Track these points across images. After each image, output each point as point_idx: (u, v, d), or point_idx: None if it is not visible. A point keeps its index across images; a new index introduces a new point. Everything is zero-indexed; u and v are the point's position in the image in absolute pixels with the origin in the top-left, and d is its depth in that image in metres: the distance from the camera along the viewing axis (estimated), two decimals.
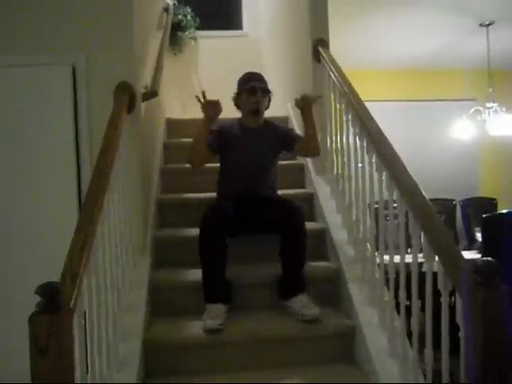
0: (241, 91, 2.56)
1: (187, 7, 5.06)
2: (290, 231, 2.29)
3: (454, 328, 1.48)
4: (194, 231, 2.66)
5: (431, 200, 1.66)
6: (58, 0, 2.45)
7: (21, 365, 1.34)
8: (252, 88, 2.51)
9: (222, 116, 2.49)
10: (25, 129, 2.46)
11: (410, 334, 1.79)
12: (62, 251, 1.40)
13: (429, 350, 1.63)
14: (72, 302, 1.23)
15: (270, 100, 2.60)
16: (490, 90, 5.08)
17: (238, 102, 2.61)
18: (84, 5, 2.45)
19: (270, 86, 2.60)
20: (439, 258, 1.51)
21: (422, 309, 1.69)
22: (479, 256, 3.15)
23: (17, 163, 2.47)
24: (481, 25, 4.78)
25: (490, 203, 5.20)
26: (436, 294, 1.57)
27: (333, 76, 2.65)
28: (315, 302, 2.21)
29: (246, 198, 2.48)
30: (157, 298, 2.32)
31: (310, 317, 2.13)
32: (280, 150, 2.64)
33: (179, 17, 4.89)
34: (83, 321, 1.42)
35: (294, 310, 2.19)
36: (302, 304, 2.18)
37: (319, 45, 2.90)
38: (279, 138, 2.61)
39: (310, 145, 2.57)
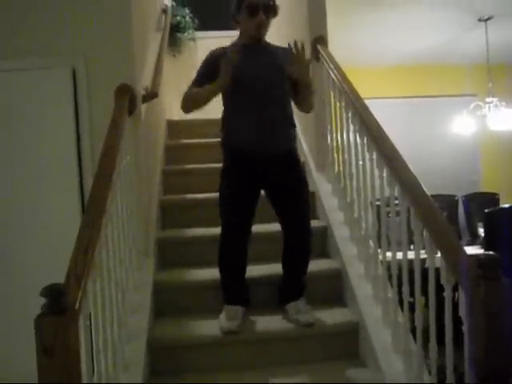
0: (240, 6, 2.08)
1: (186, 8, 5.07)
2: (295, 235, 2.23)
3: (457, 322, 1.48)
4: (197, 231, 2.67)
5: (433, 196, 1.67)
6: (57, 3, 2.46)
7: (24, 365, 1.35)
8: (252, 7, 2.04)
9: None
10: (26, 132, 2.48)
11: (413, 330, 1.80)
12: (65, 254, 1.41)
13: (433, 345, 1.64)
14: (77, 303, 1.24)
15: (276, 15, 2.15)
16: (490, 84, 5.07)
17: (236, 17, 2.14)
18: (83, 7, 2.46)
19: None
20: (441, 253, 1.51)
21: (426, 305, 1.69)
22: (482, 251, 3.16)
23: (19, 167, 2.48)
24: (479, 20, 4.78)
25: (492, 198, 5.19)
26: (439, 289, 1.58)
27: (332, 74, 2.65)
28: (317, 301, 2.23)
29: (260, 153, 2.11)
30: (161, 299, 2.33)
31: (304, 323, 2.13)
32: (286, 73, 2.14)
33: (178, 18, 4.90)
34: (88, 322, 1.43)
35: (289, 315, 2.19)
36: (298, 310, 2.18)
37: (318, 43, 2.90)
38: (282, 61, 2.15)
39: (301, 104, 2.25)
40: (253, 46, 2.17)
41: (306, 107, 2.29)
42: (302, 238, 2.23)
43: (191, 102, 2.18)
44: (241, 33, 2.20)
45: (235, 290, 2.24)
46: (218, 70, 2.05)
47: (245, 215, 2.17)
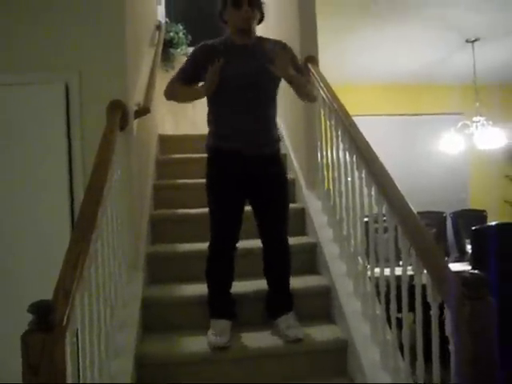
0: (225, 2, 2.14)
1: (179, 25, 5.13)
2: (273, 245, 2.27)
3: (444, 340, 1.49)
4: (188, 247, 2.66)
5: (422, 213, 1.69)
6: (50, 19, 2.48)
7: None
8: (237, 0, 2.09)
9: None
10: (18, 147, 2.47)
11: (402, 347, 1.81)
12: (56, 267, 1.41)
13: (420, 362, 1.65)
14: (64, 319, 1.23)
15: (263, 12, 2.18)
16: (477, 104, 5.17)
17: (223, 15, 2.18)
18: (77, 24, 2.48)
19: None
20: (427, 271, 1.53)
21: (414, 321, 1.71)
22: (469, 268, 3.18)
23: (10, 180, 2.47)
24: (467, 41, 4.90)
25: (480, 215, 5.25)
26: (427, 306, 1.59)
27: (322, 92, 2.69)
28: (306, 318, 2.23)
29: (247, 153, 2.16)
30: (150, 314, 2.31)
31: (292, 338, 2.12)
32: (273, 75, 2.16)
33: (171, 34, 4.95)
34: (75, 338, 1.41)
35: (279, 329, 2.19)
36: (288, 324, 2.18)
37: (309, 62, 2.95)
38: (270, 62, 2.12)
39: (301, 96, 2.31)
40: (242, 46, 2.19)
41: (305, 99, 2.37)
42: (280, 247, 2.27)
43: (174, 96, 2.32)
44: (230, 30, 2.22)
45: (222, 302, 2.24)
46: (206, 62, 2.10)
47: (232, 225, 2.21)
